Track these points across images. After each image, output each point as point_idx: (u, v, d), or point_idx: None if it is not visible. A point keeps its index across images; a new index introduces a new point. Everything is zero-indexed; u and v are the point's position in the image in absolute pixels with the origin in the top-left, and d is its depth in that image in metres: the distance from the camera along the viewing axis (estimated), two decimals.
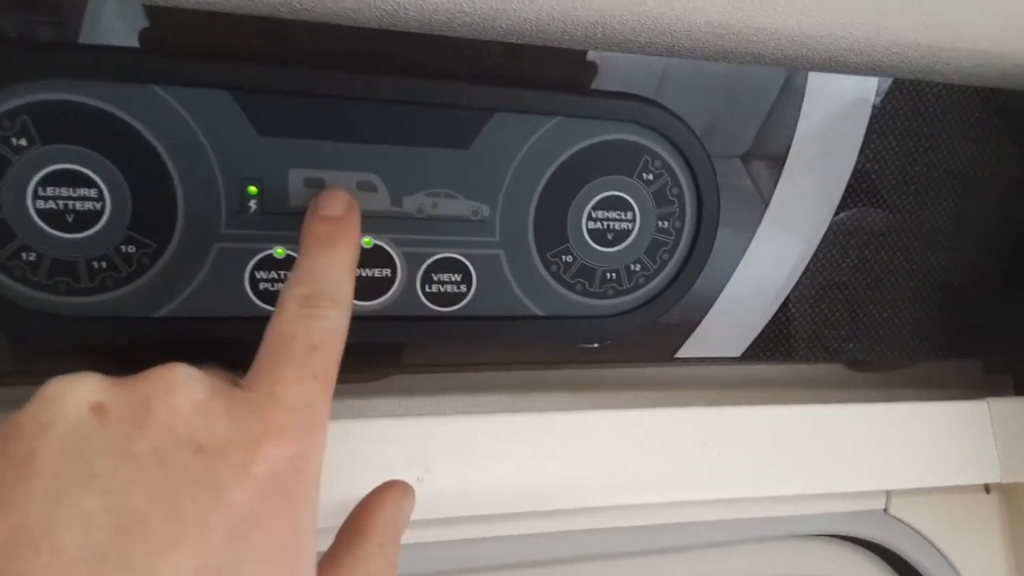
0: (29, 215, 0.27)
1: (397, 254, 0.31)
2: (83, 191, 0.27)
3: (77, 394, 0.19)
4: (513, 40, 0.32)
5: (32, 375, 0.26)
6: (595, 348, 0.36)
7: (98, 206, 0.27)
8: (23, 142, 0.26)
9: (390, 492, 0.26)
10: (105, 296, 0.28)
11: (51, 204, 0.27)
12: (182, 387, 0.20)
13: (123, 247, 0.28)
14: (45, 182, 0.27)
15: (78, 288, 0.28)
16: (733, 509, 0.42)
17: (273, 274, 0.30)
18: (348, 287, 0.24)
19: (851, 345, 0.40)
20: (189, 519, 0.18)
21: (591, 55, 0.32)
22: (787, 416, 0.40)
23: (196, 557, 0.18)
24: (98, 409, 0.19)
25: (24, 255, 0.27)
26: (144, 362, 0.30)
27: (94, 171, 0.27)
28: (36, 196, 0.27)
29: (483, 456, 0.34)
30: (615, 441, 0.37)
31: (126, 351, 0.29)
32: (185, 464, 0.19)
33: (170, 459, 0.19)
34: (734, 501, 0.41)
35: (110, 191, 0.27)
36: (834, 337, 0.40)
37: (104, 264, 0.28)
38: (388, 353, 0.34)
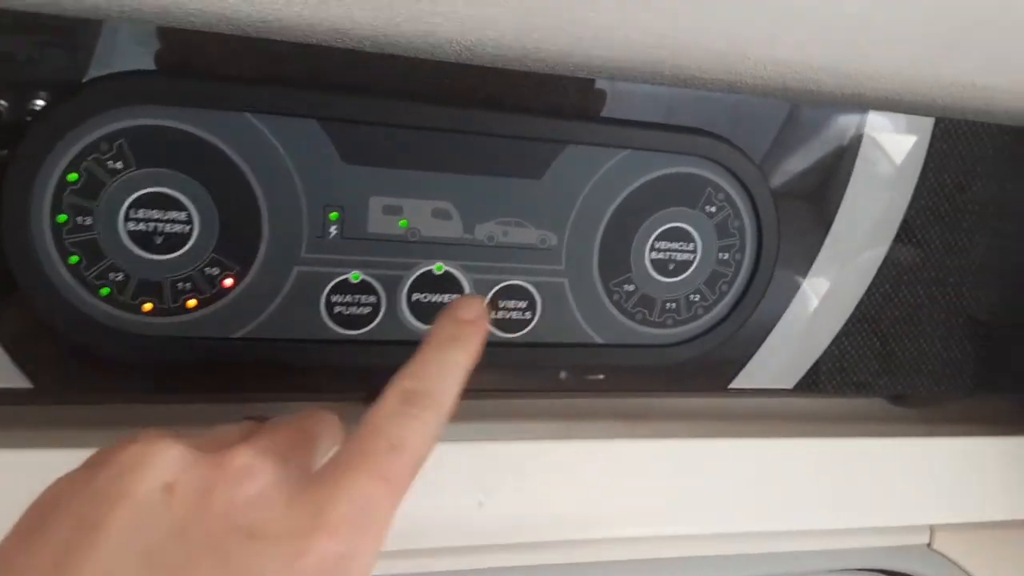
0: (119, 236, 0.27)
1: (467, 280, 0.32)
2: (173, 214, 0.28)
3: (154, 470, 0.20)
4: (584, 75, 0.33)
5: (113, 391, 0.27)
6: (645, 377, 0.36)
7: (186, 228, 0.28)
8: (119, 165, 0.27)
9: None
10: (187, 316, 0.29)
11: (142, 226, 0.28)
12: (249, 473, 0.21)
13: (208, 269, 0.29)
14: (137, 204, 0.27)
15: (162, 308, 0.29)
16: (776, 542, 0.42)
17: (348, 298, 0.30)
18: (454, 392, 0.24)
19: (897, 380, 0.41)
20: None
21: (659, 90, 0.33)
22: (831, 450, 0.41)
23: None
24: (168, 489, 0.20)
25: (112, 275, 0.28)
26: (220, 382, 0.31)
27: (185, 194, 0.28)
28: (128, 218, 0.27)
29: (542, 483, 0.34)
30: (662, 471, 0.37)
31: (204, 370, 0.30)
32: (235, 552, 0.19)
33: (222, 545, 0.19)
34: (777, 534, 0.41)
35: (199, 214, 0.28)
36: (882, 372, 0.40)
37: (189, 285, 0.29)
38: None
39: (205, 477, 0.20)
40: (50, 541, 0.19)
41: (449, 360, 0.25)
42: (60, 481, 0.21)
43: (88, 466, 0.22)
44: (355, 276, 0.30)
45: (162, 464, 0.20)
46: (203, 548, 0.19)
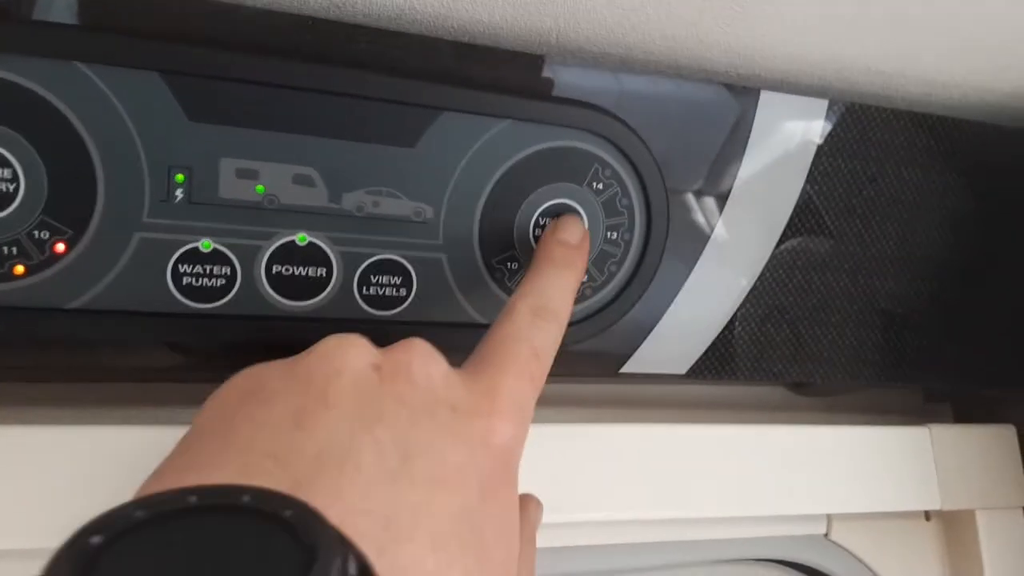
0: None
1: (334, 253, 0.30)
2: None
3: (359, 352, 0.22)
4: (465, 40, 0.31)
5: None
6: None
7: (11, 187, 0.26)
8: None
9: (532, 499, 0.29)
10: (14, 284, 0.26)
11: None
12: (434, 358, 0.23)
13: (36, 232, 0.26)
14: None
15: None
16: (670, 531, 0.41)
17: (198, 268, 0.28)
18: (569, 308, 0.27)
19: (794, 367, 0.40)
20: (453, 464, 0.20)
21: (544, 61, 0.31)
22: (728, 436, 0.40)
23: (459, 497, 0.20)
24: (376, 367, 0.22)
25: None
26: (52, 357, 0.28)
27: (8, 150, 0.25)
28: None
29: None
30: (552, 457, 0.36)
31: (33, 344, 0.28)
32: (446, 418, 0.21)
33: (435, 412, 0.21)
34: (671, 522, 0.40)
35: (24, 172, 0.26)
36: (777, 359, 0.40)
37: (14, 250, 0.26)
38: None
39: (403, 356, 0.22)
40: (277, 407, 0.20)
41: (564, 280, 0.28)
42: (249, 374, 0.22)
43: (279, 364, 0.22)
44: (206, 244, 0.28)
45: (362, 349, 0.22)
46: (421, 413, 0.21)
